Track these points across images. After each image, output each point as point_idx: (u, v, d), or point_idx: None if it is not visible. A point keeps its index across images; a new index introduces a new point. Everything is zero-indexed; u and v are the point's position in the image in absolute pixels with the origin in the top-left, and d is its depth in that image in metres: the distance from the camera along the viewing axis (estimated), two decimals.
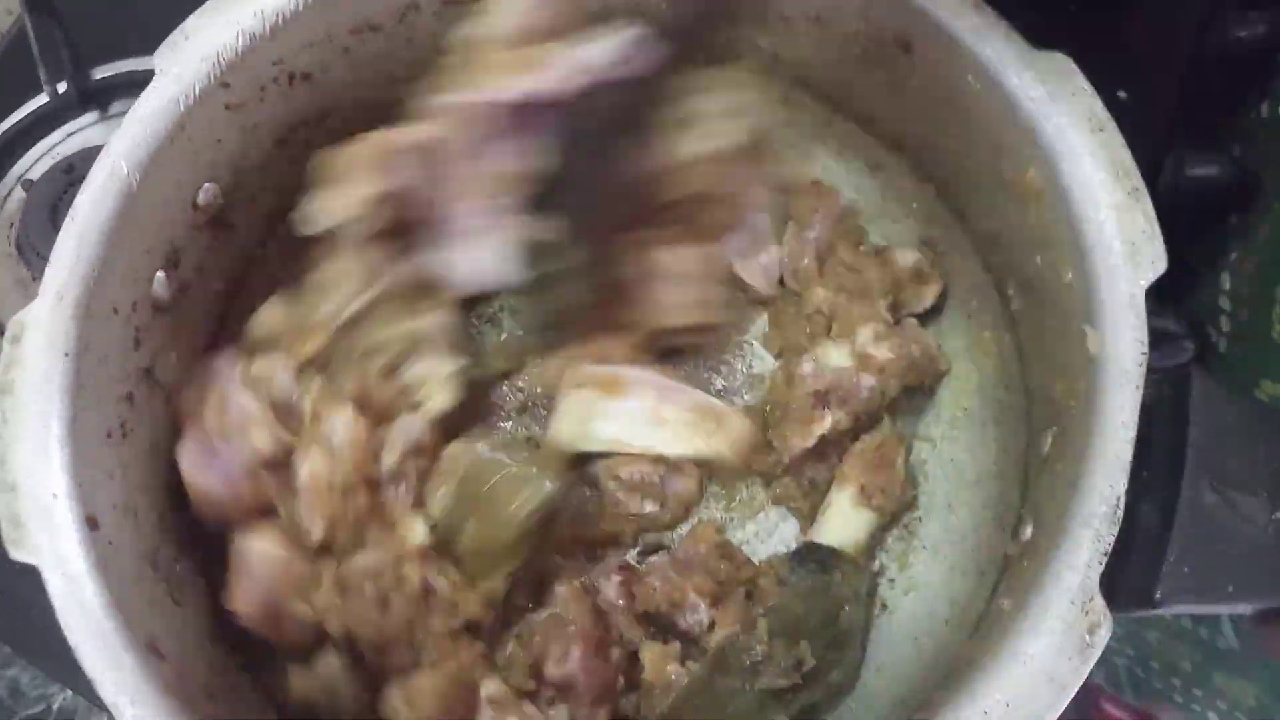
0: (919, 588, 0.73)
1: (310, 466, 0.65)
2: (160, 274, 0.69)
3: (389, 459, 0.67)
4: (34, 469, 0.60)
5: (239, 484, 0.67)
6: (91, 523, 0.60)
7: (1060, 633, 0.52)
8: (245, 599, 0.65)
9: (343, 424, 0.67)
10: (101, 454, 0.64)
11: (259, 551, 0.66)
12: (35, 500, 0.59)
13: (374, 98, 0.79)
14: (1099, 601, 0.52)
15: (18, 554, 0.59)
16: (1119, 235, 0.58)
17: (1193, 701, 0.91)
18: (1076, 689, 0.51)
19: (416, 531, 0.65)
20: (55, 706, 1.06)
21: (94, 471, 0.62)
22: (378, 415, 0.68)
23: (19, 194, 0.99)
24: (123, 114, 0.67)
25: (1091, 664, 0.51)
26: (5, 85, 1.03)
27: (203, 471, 0.67)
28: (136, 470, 0.67)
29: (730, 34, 0.70)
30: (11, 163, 1.01)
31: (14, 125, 1.01)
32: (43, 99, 1.01)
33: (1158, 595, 0.55)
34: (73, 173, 0.95)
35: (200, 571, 0.71)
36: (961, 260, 0.76)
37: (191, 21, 0.68)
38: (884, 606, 0.73)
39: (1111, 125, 0.60)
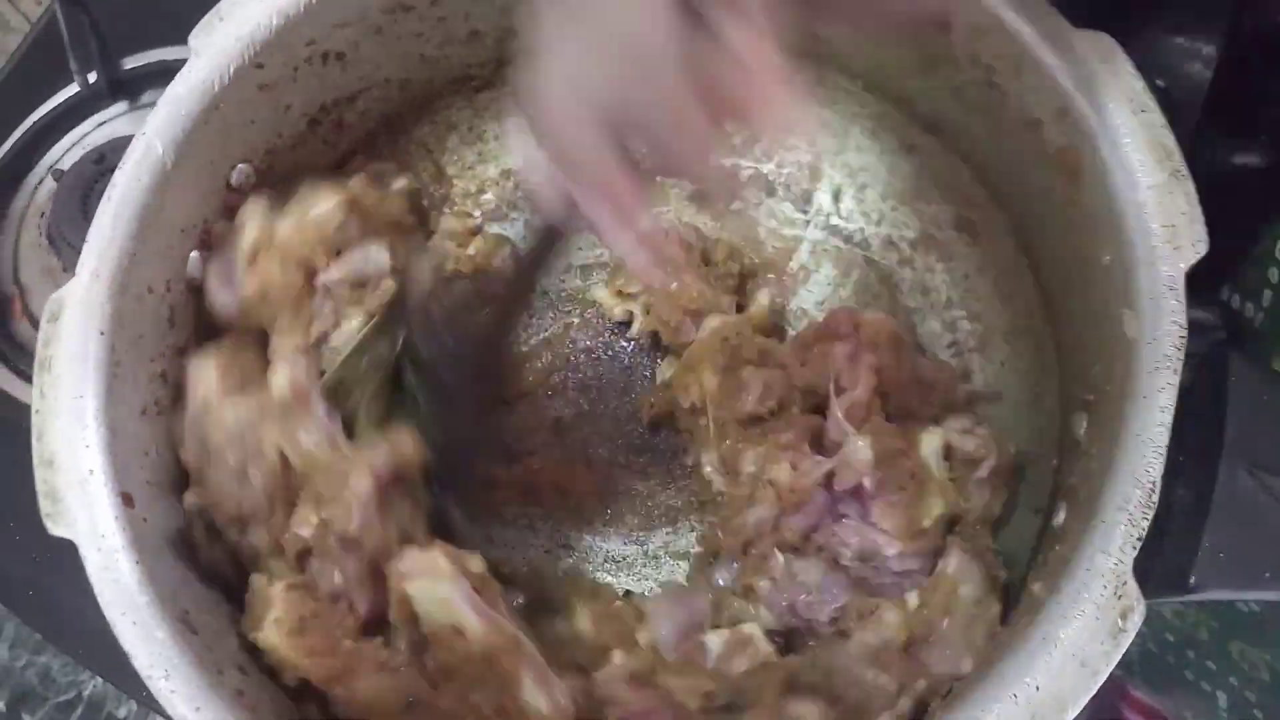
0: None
1: (281, 227, 0.70)
2: (195, 254, 0.70)
3: (333, 272, 0.71)
4: (71, 445, 0.61)
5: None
6: (126, 499, 0.61)
7: (1093, 617, 0.51)
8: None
9: (326, 206, 0.71)
10: (136, 431, 0.64)
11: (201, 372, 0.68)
12: (72, 476, 0.60)
13: (405, 77, 0.80)
14: (1133, 586, 0.52)
15: (55, 529, 0.60)
16: (1159, 217, 0.57)
17: (1204, 678, 0.89)
18: (1108, 674, 0.51)
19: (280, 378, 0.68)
20: (85, 694, 1.08)
21: (129, 449, 0.63)
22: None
23: (49, 184, 0.99)
24: (153, 104, 0.67)
25: (1124, 649, 0.51)
26: (36, 75, 1.04)
27: (219, 290, 0.71)
28: (169, 449, 0.67)
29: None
30: (42, 152, 1.02)
31: (45, 115, 1.01)
32: (73, 89, 1.01)
33: (1193, 580, 0.54)
34: (103, 162, 0.95)
35: (230, 549, 0.71)
36: (998, 242, 0.75)
37: (226, 3, 0.69)
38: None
39: (1154, 106, 0.59)
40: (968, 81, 0.69)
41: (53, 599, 0.84)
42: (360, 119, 0.80)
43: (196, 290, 0.71)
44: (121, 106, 1.02)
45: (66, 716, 1.06)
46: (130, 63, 1.02)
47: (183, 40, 0.68)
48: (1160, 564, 0.55)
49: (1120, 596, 0.51)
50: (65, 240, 0.94)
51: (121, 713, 1.06)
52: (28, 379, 0.91)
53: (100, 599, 0.58)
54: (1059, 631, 0.52)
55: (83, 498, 0.60)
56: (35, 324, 0.94)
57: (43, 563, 0.84)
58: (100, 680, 1.06)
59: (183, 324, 0.70)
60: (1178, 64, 0.74)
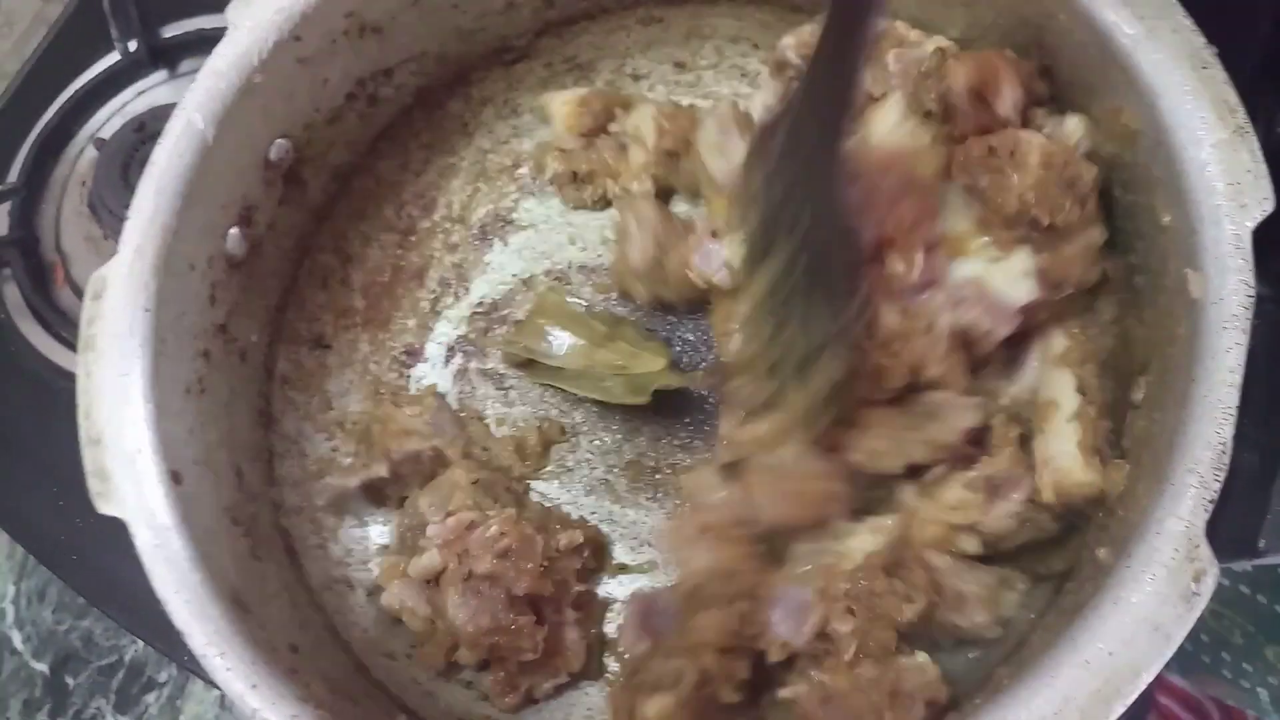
0: None
1: None
2: (234, 230, 0.69)
3: None
4: (118, 423, 0.60)
5: None
6: (175, 477, 0.61)
7: (1165, 580, 0.51)
8: None
9: None
10: (182, 409, 0.64)
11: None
12: (120, 454, 0.60)
13: (442, 51, 0.79)
14: (1205, 549, 0.51)
15: (105, 507, 0.59)
16: (1223, 175, 0.56)
17: (1242, 677, 0.89)
18: (1182, 638, 0.50)
19: None
20: (127, 658, 1.08)
21: (175, 426, 0.62)
22: None
23: (91, 152, 0.99)
24: (192, 72, 0.67)
25: (1197, 612, 0.50)
26: (77, 44, 1.04)
27: None
28: (214, 427, 0.67)
29: None
30: (83, 121, 1.02)
31: (86, 84, 1.01)
32: (114, 57, 1.01)
33: (1261, 544, 0.54)
34: (143, 131, 0.95)
35: (279, 529, 0.71)
36: None
37: None
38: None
39: (1215, 62, 0.58)
40: (1018, 42, 0.68)
41: (96, 564, 0.85)
42: (396, 93, 0.79)
43: (237, 266, 0.70)
44: (161, 75, 1.02)
45: (108, 680, 1.07)
46: (169, 31, 1.02)
47: (221, 9, 0.67)
48: (1227, 528, 0.54)
49: (1193, 560, 0.51)
50: (107, 208, 0.94)
51: (162, 677, 1.07)
52: (70, 345, 0.91)
53: (152, 577, 0.58)
54: (1131, 596, 0.51)
55: (132, 476, 0.59)
56: (77, 291, 0.95)
57: (86, 528, 0.85)
58: (141, 644, 1.06)
59: (223, 301, 0.69)
60: (1229, 29, 0.73)
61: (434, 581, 0.69)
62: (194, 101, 0.65)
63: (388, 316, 0.80)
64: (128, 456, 0.60)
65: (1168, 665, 0.50)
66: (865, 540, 0.63)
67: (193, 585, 0.58)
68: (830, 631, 0.61)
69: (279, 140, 0.71)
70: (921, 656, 0.61)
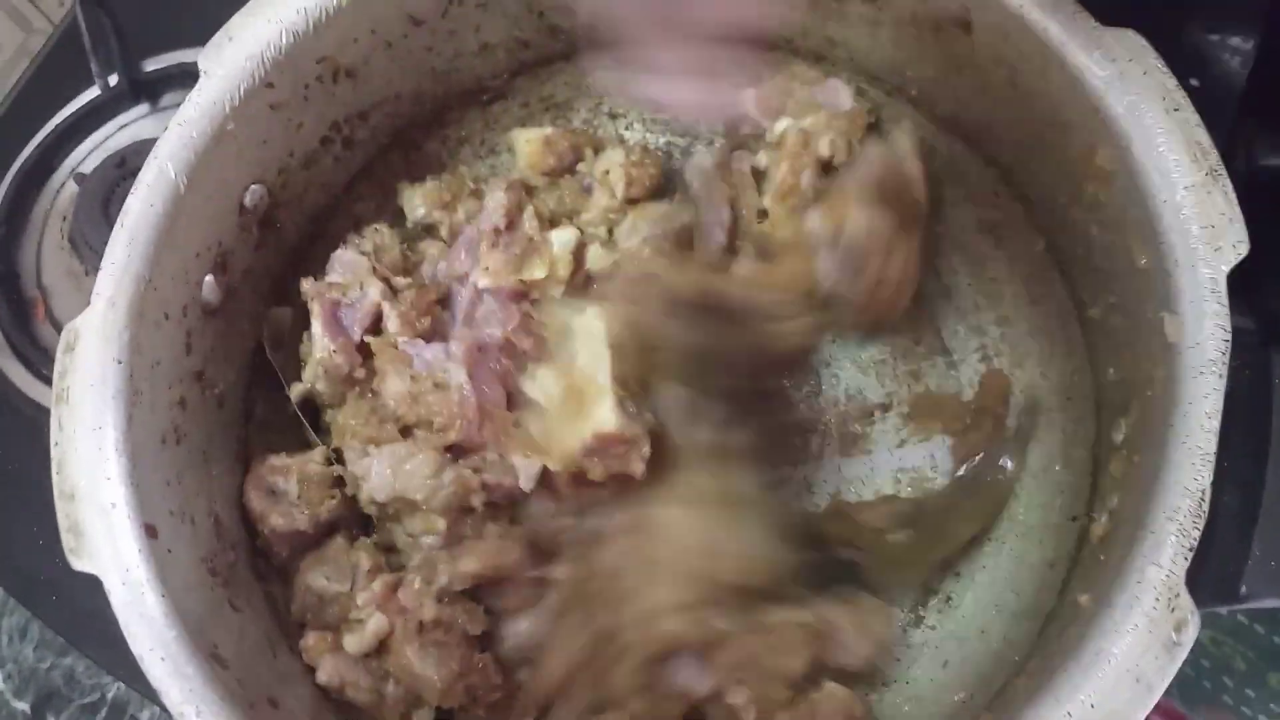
0: (984, 579, 0.71)
1: None
2: (209, 277, 0.68)
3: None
4: (92, 477, 0.59)
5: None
6: (150, 530, 0.60)
7: (1146, 630, 0.50)
8: None
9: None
10: (157, 460, 0.63)
11: None
12: (94, 509, 0.59)
13: (417, 92, 0.79)
14: (1185, 598, 0.51)
15: (79, 564, 0.59)
16: (1197, 218, 0.56)
17: (1244, 704, 0.88)
18: (1164, 688, 0.50)
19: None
20: (109, 695, 1.07)
21: (151, 478, 0.62)
22: None
23: (71, 187, 0.98)
24: (174, 106, 0.66)
25: (1179, 662, 0.50)
26: (57, 78, 1.03)
27: None
28: (191, 476, 0.66)
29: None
30: (64, 155, 1.01)
31: (66, 118, 1.01)
32: (94, 91, 1.00)
33: (1243, 590, 0.54)
34: (124, 166, 0.95)
35: (257, 577, 0.70)
36: (1026, 245, 0.74)
37: (236, 21, 0.67)
38: (949, 600, 0.72)
39: (1187, 104, 0.58)
40: (991, 82, 0.68)
41: (76, 604, 0.84)
42: (372, 135, 0.79)
43: (212, 313, 0.69)
44: (143, 109, 1.02)
45: (91, 718, 1.05)
46: (151, 65, 1.01)
47: (203, 43, 0.67)
48: (1209, 573, 0.54)
49: (1174, 609, 0.50)
50: (87, 244, 0.94)
51: (144, 716, 1.05)
52: (50, 382, 0.90)
53: (127, 634, 0.57)
54: (1112, 646, 0.50)
55: (106, 531, 0.59)
56: (58, 327, 0.94)
57: (65, 567, 0.83)
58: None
59: (199, 349, 0.68)
60: (1211, 61, 0.73)
61: (375, 650, 0.67)
62: (166, 151, 0.64)
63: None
64: (102, 511, 0.59)
65: (1167, 690, 0.50)
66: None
67: (168, 642, 0.57)
68: (730, 705, 0.62)
69: (253, 186, 0.70)
70: (829, 685, 0.64)
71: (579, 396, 0.66)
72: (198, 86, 0.66)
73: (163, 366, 0.65)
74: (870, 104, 0.78)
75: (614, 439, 0.63)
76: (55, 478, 0.60)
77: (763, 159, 0.77)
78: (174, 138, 0.65)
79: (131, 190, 0.64)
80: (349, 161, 0.79)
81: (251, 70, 0.67)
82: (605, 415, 0.63)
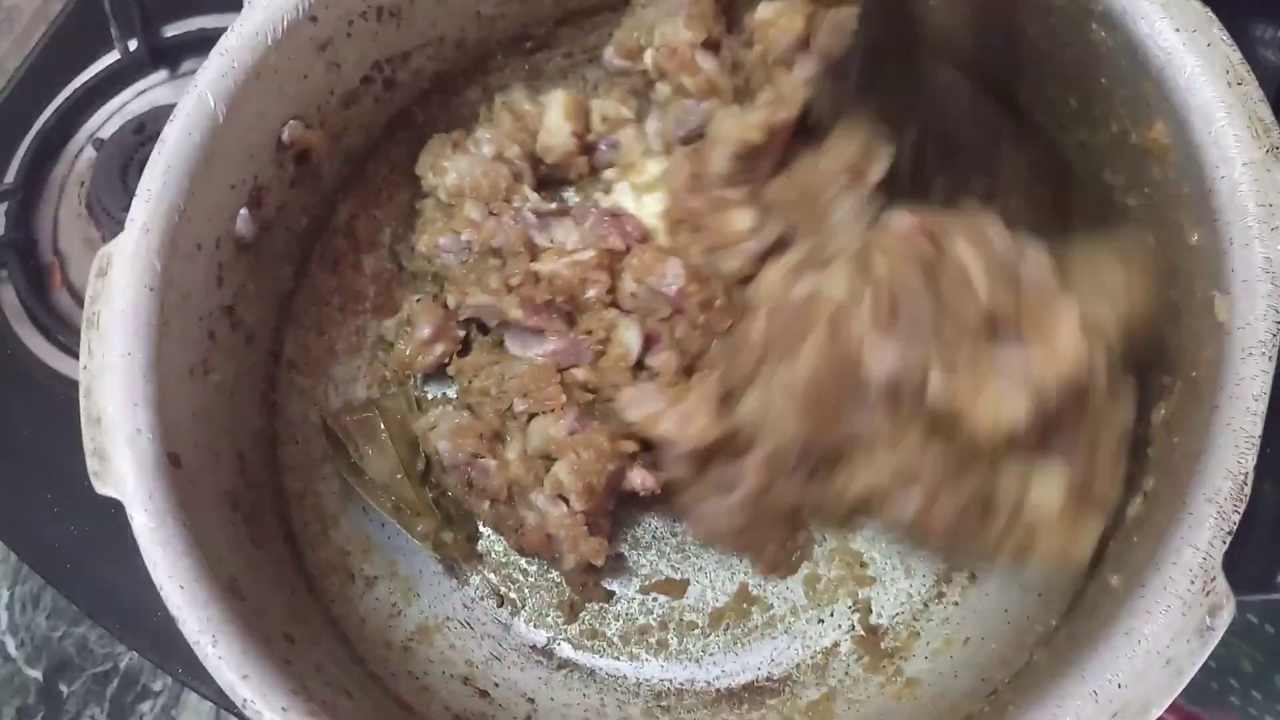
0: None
1: None
2: (244, 211, 0.68)
3: None
4: (119, 403, 0.59)
5: None
6: (174, 460, 0.60)
7: (1179, 613, 0.49)
8: None
9: None
10: (184, 391, 0.63)
11: None
12: (120, 434, 0.59)
13: (461, 36, 0.78)
14: (1222, 582, 0.49)
15: (103, 488, 0.59)
16: (1254, 195, 0.54)
17: (1250, 704, 0.87)
18: (1194, 673, 0.48)
19: None
20: (122, 665, 1.07)
21: (177, 408, 0.62)
22: None
23: (89, 152, 0.98)
24: (193, 73, 0.65)
25: (1210, 648, 0.49)
26: (77, 43, 1.02)
27: None
28: (218, 410, 0.66)
29: None
30: (82, 121, 1.00)
31: (85, 83, 0.99)
32: (114, 57, 0.99)
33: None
34: (143, 132, 0.94)
35: (279, 516, 0.70)
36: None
37: None
38: (972, 577, 0.71)
39: (1251, 78, 0.56)
40: (1043, 53, 0.66)
41: (91, 572, 0.84)
42: (413, 77, 0.78)
43: (245, 248, 0.69)
44: (162, 75, 1.00)
45: (103, 688, 1.05)
46: (171, 31, 1.00)
47: (224, 9, 0.66)
48: (1245, 561, 0.52)
49: (1209, 593, 0.49)
50: (105, 210, 0.93)
51: (157, 686, 1.05)
52: (68, 351, 0.90)
53: (147, 561, 0.57)
54: (1144, 627, 0.49)
55: (131, 457, 0.58)
56: (75, 294, 0.94)
57: (81, 536, 0.83)
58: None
59: (230, 283, 0.68)
60: (1252, 50, 0.71)
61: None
62: (206, 80, 0.64)
63: (397, 305, 0.80)
64: (127, 437, 0.59)
65: None
66: None
67: (187, 570, 0.57)
68: None
69: (292, 121, 0.70)
70: None
71: None
72: (241, 16, 0.66)
73: (193, 298, 0.65)
74: None
75: None
76: (83, 402, 0.60)
77: None
78: (214, 67, 0.64)
79: (170, 119, 0.64)
80: (389, 103, 0.78)
81: (296, 3, 0.66)
82: None
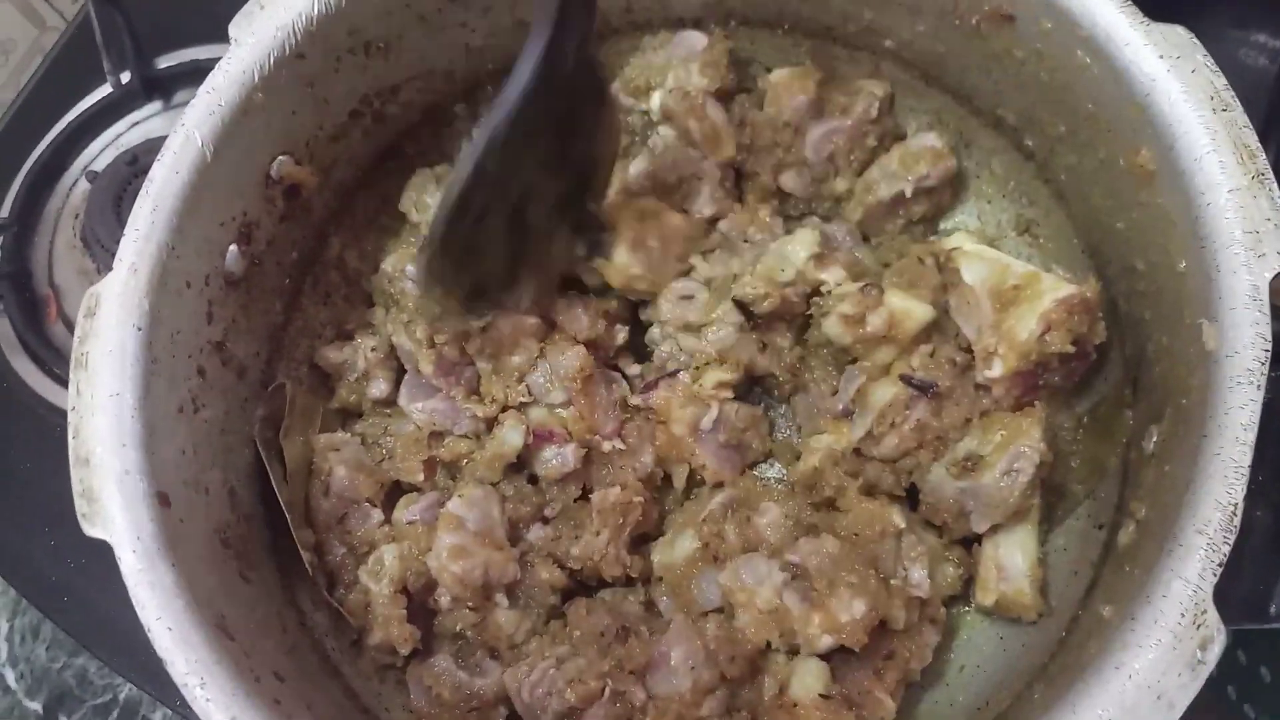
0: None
1: None
2: (233, 247, 0.68)
3: None
4: (107, 443, 0.59)
5: None
6: (163, 499, 0.60)
7: (1169, 647, 0.49)
8: None
9: None
10: (174, 429, 0.63)
11: None
12: (108, 475, 0.59)
13: (449, 68, 0.78)
14: (1213, 615, 0.49)
15: (91, 529, 0.58)
16: (1240, 222, 0.54)
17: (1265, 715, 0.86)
18: (1185, 707, 0.48)
19: None
20: (121, 696, 1.07)
21: (166, 447, 0.61)
22: None
23: (83, 185, 0.98)
24: (187, 104, 0.65)
25: (1202, 681, 0.48)
26: (69, 75, 1.03)
27: None
28: (208, 446, 0.66)
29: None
30: (76, 153, 1.01)
31: (79, 116, 1.00)
32: (106, 89, 1.00)
33: (1273, 609, 0.52)
34: (136, 164, 0.94)
35: (272, 549, 0.70)
36: (1062, 244, 0.72)
37: None
38: (968, 603, 0.71)
39: (1235, 103, 0.56)
40: (1032, 76, 0.66)
41: (87, 604, 0.84)
42: (403, 110, 0.78)
43: (235, 283, 0.69)
44: (155, 107, 1.01)
45: (103, 719, 1.05)
46: (164, 62, 1.00)
47: (216, 40, 0.66)
48: (1238, 590, 0.52)
49: (1199, 626, 0.49)
50: (99, 243, 0.93)
51: (157, 717, 1.05)
52: (64, 383, 0.90)
53: (135, 602, 0.57)
54: (1134, 661, 0.49)
55: (119, 498, 0.58)
56: (70, 326, 0.94)
57: (77, 568, 0.83)
58: None
59: (221, 319, 0.68)
60: (1240, 59, 0.71)
61: None
62: (193, 118, 0.64)
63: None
64: (115, 478, 0.59)
65: None
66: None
67: (176, 612, 0.57)
68: None
69: (281, 157, 0.70)
70: None
71: None
72: (227, 55, 0.66)
73: (183, 335, 0.65)
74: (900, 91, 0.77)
75: None
76: (71, 443, 0.60)
77: None
78: (202, 105, 0.65)
79: (157, 157, 0.64)
80: (378, 136, 0.78)
81: (282, 40, 0.66)
82: None
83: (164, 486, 0.60)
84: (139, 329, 0.61)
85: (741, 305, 0.73)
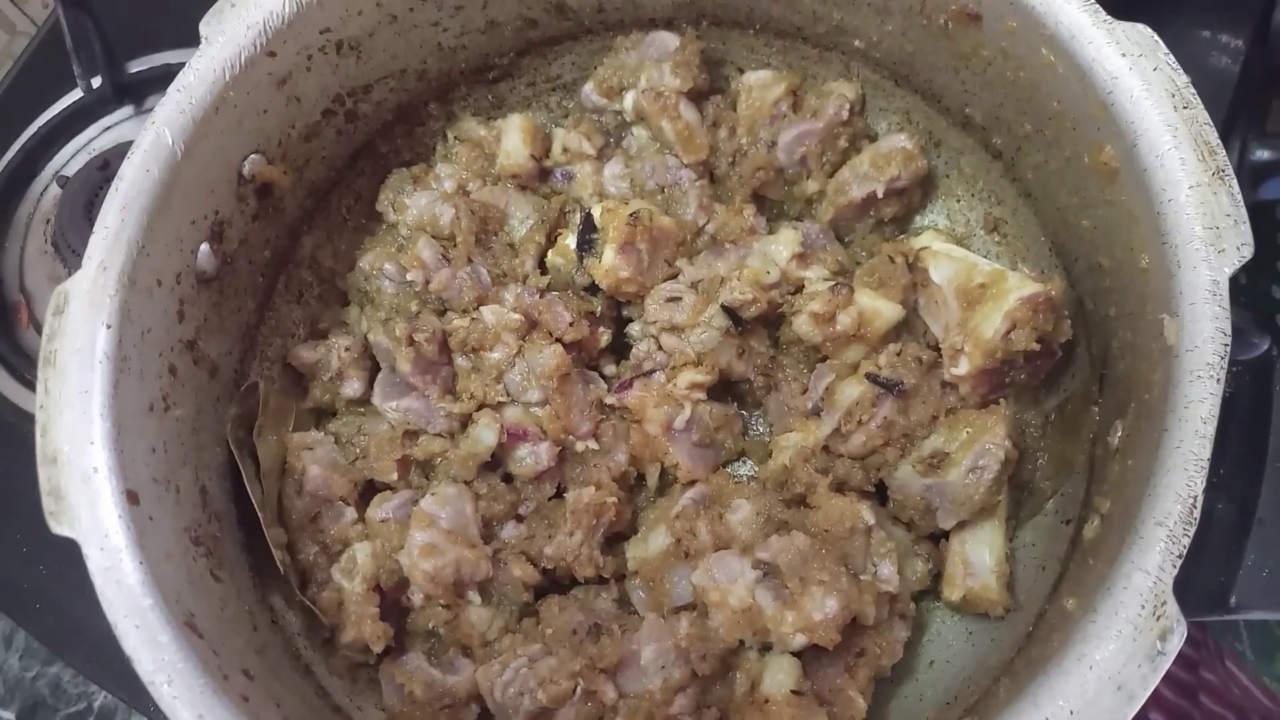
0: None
1: None
2: (205, 246, 0.68)
3: None
4: (75, 441, 0.59)
5: None
6: (131, 497, 0.59)
7: (1130, 638, 0.49)
8: None
9: None
10: (143, 427, 0.63)
11: None
12: (76, 473, 0.59)
13: (421, 67, 0.78)
14: (1172, 606, 0.49)
15: (58, 528, 0.58)
16: (1201, 218, 0.54)
17: None
18: (1145, 698, 0.48)
19: None
20: (96, 705, 1.06)
21: (135, 445, 0.61)
22: None
23: (54, 190, 0.98)
24: None
25: (1162, 672, 0.48)
26: (40, 80, 1.03)
27: None
28: (179, 444, 0.66)
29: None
30: (47, 158, 1.01)
31: (49, 121, 1.00)
32: (77, 94, 0.99)
33: (1233, 600, 0.52)
34: (108, 169, 0.94)
35: (244, 548, 0.70)
36: (1029, 242, 0.73)
37: None
38: (937, 598, 0.71)
39: (1196, 101, 0.56)
40: (999, 75, 0.67)
41: (59, 611, 0.84)
42: (376, 109, 0.78)
43: (207, 282, 0.69)
44: (126, 111, 1.01)
45: None
46: (135, 67, 1.00)
47: (187, 44, 0.66)
48: (1199, 581, 0.52)
49: (1159, 617, 0.49)
50: (70, 247, 0.93)
51: None
52: (34, 389, 0.90)
53: (103, 600, 0.57)
54: (1095, 653, 0.49)
55: (86, 495, 0.58)
56: (41, 331, 0.94)
57: (49, 574, 0.83)
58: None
59: (192, 317, 0.68)
60: (1203, 57, 0.72)
61: None
62: (163, 116, 0.64)
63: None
64: (84, 476, 0.59)
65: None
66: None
67: (143, 610, 0.57)
68: None
69: (252, 155, 0.70)
70: None
71: None
72: (198, 53, 0.66)
73: (153, 334, 0.65)
74: (870, 91, 0.78)
75: None
76: (39, 441, 0.60)
77: None
78: (172, 104, 0.65)
79: (127, 156, 0.64)
80: (351, 135, 0.78)
81: (253, 38, 0.66)
82: None
83: (133, 484, 0.60)
84: (108, 326, 0.61)
85: (730, 311, 0.73)
